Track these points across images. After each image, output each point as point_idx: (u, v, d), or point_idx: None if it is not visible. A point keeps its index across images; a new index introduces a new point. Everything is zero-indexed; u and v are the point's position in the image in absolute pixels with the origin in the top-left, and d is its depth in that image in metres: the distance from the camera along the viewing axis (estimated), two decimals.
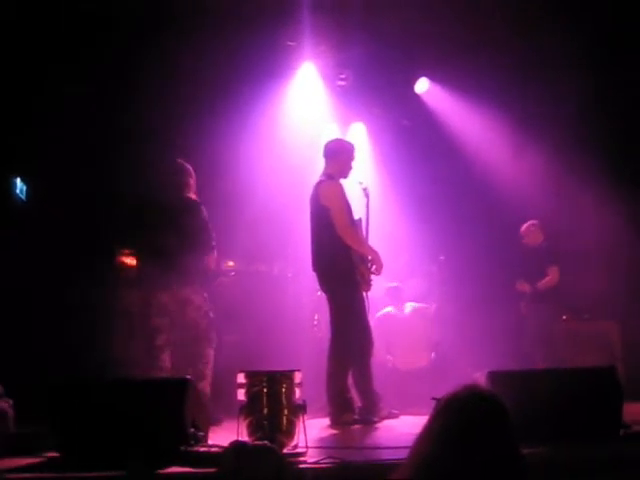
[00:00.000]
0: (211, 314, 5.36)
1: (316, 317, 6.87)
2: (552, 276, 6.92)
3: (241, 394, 3.68)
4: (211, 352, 5.26)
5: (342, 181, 5.43)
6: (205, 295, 5.36)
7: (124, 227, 6.06)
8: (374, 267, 5.35)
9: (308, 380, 5.48)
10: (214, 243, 5.41)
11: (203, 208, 5.39)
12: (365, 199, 5.61)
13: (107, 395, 3.56)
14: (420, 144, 8.14)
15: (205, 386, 5.03)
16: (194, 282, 5.24)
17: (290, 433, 3.62)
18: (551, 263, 6.96)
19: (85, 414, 3.51)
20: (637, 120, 7.48)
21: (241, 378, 3.67)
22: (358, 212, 5.51)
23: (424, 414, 5.74)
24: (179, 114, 6.91)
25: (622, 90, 7.50)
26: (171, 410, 3.40)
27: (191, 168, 5.55)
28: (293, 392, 3.68)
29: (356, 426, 4.99)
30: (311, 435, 4.10)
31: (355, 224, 5.40)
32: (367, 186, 5.67)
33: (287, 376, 3.67)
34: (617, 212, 7.21)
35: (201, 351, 5.20)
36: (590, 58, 7.15)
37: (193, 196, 5.44)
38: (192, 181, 5.49)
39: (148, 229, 5.24)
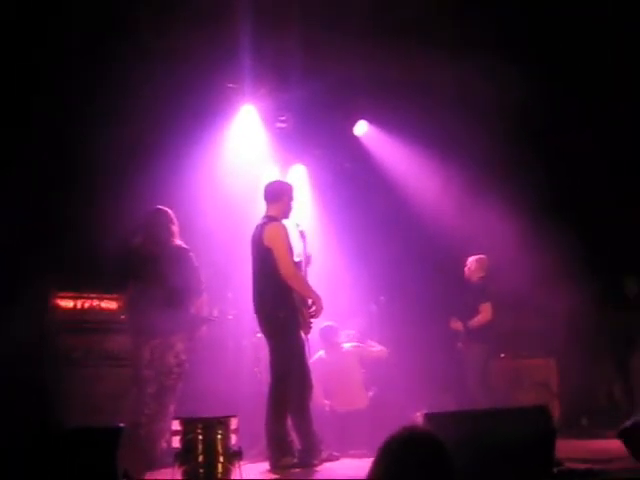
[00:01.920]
0: (186, 365, 5.31)
1: (257, 360, 6.80)
2: (484, 314, 6.92)
3: (176, 441, 3.61)
4: (171, 405, 5.17)
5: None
6: (188, 343, 5.34)
7: (111, 276, 5.93)
8: (314, 310, 5.35)
9: (249, 423, 5.45)
10: (203, 287, 5.39)
11: (191, 254, 5.37)
12: (302, 241, 5.64)
13: (36, 445, 3.43)
14: (360, 185, 8.24)
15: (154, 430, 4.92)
16: (181, 330, 5.21)
17: None
18: (483, 300, 6.97)
19: (12, 464, 3.38)
20: (570, 155, 7.73)
21: (176, 425, 3.62)
22: (297, 254, 5.53)
23: (364, 456, 5.79)
24: (117, 152, 6.85)
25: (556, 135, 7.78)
26: (101, 459, 3.30)
27: (172, 213, 5.53)
28: (229, 438, 3.64)
29: (296, 470, 4.94)
30: None
31: (296, 264, 5.42)
32: (303, 229, 5.71)
33: (223, 422, 3.63)
34: (554, 250, 7.38)
35: (164, 400, 5.11)
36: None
37: (179, 243, 5.40)
38: (175, 227, 5.48)
39: (136, 280, 5.17)
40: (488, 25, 6.93)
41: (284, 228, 5.35)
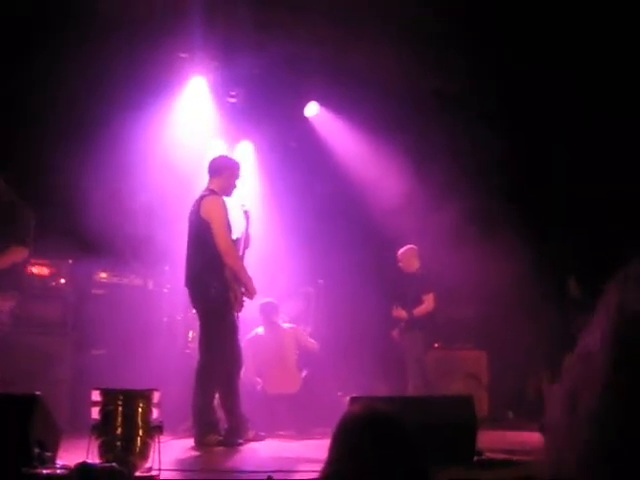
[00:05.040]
0: None
1: (190, 335, 6.74)
2: (428, 303, 6.96)
3: (95, 412, 3.53)
4: None
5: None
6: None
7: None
8: (246, 292, 5.29)
9: (178, 399, 5.39)
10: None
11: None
12: (245, 221, 5.57)
13: None
14: (306, 166, 8.19)
15: None
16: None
17: (144, 455, 3.50)
18: (427, 290, 7.01)
19: None
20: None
21: (96, 396, 3.53)
22: (236, 233, 5.46)
23: (291, 437, 5.79)
24: (64, 119, 6.67)
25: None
26: (15, 429, 3.20)
27: None
28: (150, 412, 3.56)
29: (220, 448, 4.90)
30: (170, 456, 4.00)
31: (234, 242, 5.35)
32: (248, 209, 5.64)
33: (144, 395, 3.55)
34: (491, 242, 7.45)
35: None
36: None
37: None
38: None
39: None
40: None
41: (223, 202, 5.27)
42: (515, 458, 4.04)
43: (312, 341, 6.95)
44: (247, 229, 5.59)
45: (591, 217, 7.39)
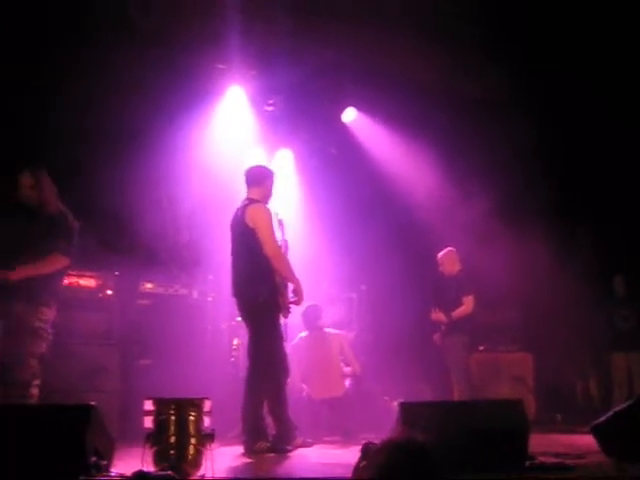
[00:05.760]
0: None
1: (235, 343, 6.78)
2: (467, 305, 6.87)
3: (148, 421, 3.58)
4: None
5: None
6: None
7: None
8: (296, 298, 5.31)
9: (225, 407, 5.44)
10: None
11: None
12: (280, 229, 5.61)
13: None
14: (346, 172, 8.21)
15: None
16: None
17: (196, 463, 3.54)
18: (467, 292, 6.91)
19: None
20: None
21: (148, 405, 3.58)
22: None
23: (338, 443, 5.78)
24: (111, 134, 6.80)
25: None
26: (71, 438, 3.26)
27: None
28: (202, 420, 3.60)
29: (269, 455, 4.92)
30: (222, 464, 4.04)
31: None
32: (282, 217, 5.69)
33: (196, 404, 3.59)
34: (534, 244, 7.39)
35: None
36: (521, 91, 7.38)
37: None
38: None
39: None
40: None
41: (267, 209, 5.31)
42: (568, 462, 3.97)
43: (356, 363, 6.82)
44: (283, 236, 5.63)
45: None
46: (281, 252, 5.28)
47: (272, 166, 6.06)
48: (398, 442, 2.28)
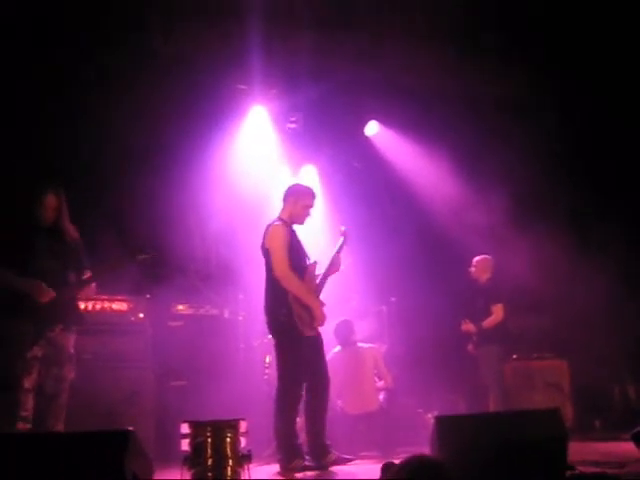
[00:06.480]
0: None
1: (267, 360, 6.79)
2: (497, 314, 6.82)
3: (185, 444, 3.60)
4: None
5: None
6: None
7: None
8: (315, 320, 5.21)
9: (260, 425, 5.45)
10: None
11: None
12: (341, 243, 5.65)
13: (35, 450, 3.40)
14: (371, 186, 8.23)
15: None
16: None
17: None
18: (495, 301, 6.87)
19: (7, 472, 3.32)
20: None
21: (185, 428, 3.60)
22: (310, 259, 5.45)
23: (374, 458, 5.75)
24: (129, 155, 6.89)
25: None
26: (111, 464, 3.29)
27: None
28: (238, 442, 3.61)
29: (306, 472, 4.92)
30: None
31: (305, 268, 5.34)
32: (346, 230, 5.76)
33: (232, 425, 3.61)
34: (568, 249, 7.33)
35: None
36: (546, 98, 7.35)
37: None
38: None
39: None
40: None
41: (283, 229, 5.26)
42: (610, 471, 3.91)
43: (389, 376, 6.76)
44: (339, 251, 5.62)
45: None
46: (288, 273, 5.14)
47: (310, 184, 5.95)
48: (416, 461, 2.31)
